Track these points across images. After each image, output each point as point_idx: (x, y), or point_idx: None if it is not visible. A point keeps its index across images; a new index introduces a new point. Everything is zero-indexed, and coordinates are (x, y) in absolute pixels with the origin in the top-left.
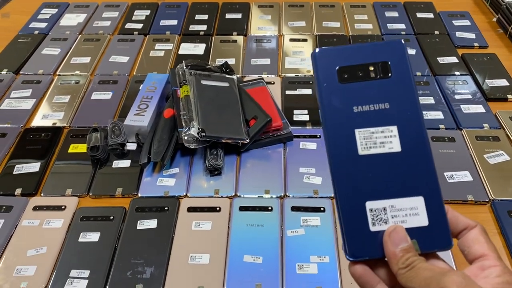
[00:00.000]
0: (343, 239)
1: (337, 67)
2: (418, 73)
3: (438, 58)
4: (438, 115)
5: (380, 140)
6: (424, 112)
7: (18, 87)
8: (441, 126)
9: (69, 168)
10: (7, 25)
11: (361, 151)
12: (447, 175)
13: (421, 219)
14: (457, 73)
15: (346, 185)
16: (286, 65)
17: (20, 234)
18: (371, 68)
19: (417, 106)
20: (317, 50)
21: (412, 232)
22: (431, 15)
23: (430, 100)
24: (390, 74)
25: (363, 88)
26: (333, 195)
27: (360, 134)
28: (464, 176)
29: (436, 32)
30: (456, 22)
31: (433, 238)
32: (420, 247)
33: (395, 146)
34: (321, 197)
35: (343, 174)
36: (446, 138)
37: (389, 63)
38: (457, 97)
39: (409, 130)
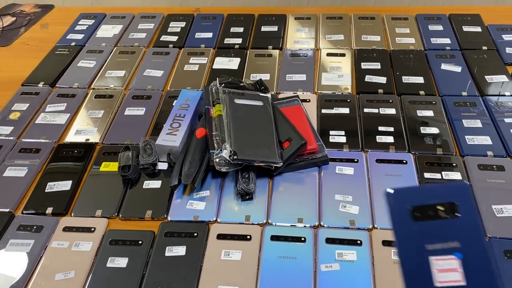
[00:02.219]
0: None
1: (409, 207)
2: (464, 93)
3: (486, 77)
4: (485, 140)
5: None
6: (470, 137)
7: (54, 101)
8: (489, 153)
9: (100, 187)
10: (45, 36)
11: (437, 283)
12: (495, 208)
13: None
14: (507, 93)
15: None
16: (322, 81)
17: (49, 256)
18: (441, 208)
19: (483, 243)
20: (390, 190)
21: None
22: (478, 29)
23: (477, 124)
24: (458, 214)
25: (434, 227)
26: (371, 227)
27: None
28: None
29: (484, 48)
30: (506, 37)
31: None
32: None
33: (462, 279)
34: (358, 229)
35: None
36: (494, 167)
37: (457, 204)
38: (507, 120)
39: (477, 266)
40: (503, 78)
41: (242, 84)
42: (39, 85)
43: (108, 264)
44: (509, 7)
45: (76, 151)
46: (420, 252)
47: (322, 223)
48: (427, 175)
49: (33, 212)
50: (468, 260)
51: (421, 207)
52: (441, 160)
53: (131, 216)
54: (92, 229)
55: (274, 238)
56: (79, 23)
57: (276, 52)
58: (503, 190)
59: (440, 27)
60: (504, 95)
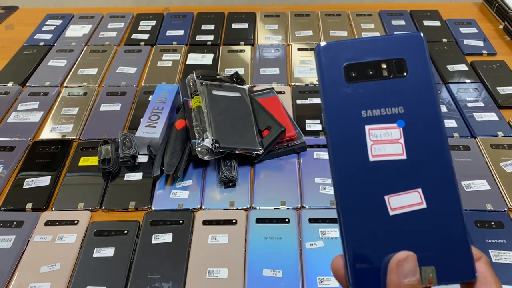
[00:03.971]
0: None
1: (344, 64)
2: None
3: (447, 66)
4: (451, 123)
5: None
6: None
7: (25, 100)
8: (455, 135)
9: (80, 181)
10: (11, 37)
11: (372, 157)
12: (464, 184)
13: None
14: (467, 80)
15: (353, 196)
16: (295, 74)
17: (32, 250)
18: (384, 66)
19: (436, 109)
20: (321, 43)
21: (429, 259)
22: (438, 23)
23: (443, 109)
24: (406, 73)
25: (374, 89)
26: None
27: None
28: (481, 185)
29: (444, 40)
30: (463, 30)
31: (454, 267)
32: (438, 277)
33: (403, 152)
34: None
35: (349, 186)
36: (461, 147)
37: (406, 59)
38: (469, 105)
39: (424, 135)
40: (463, 67)
41: (218, 77)
42: (8, 84)
43: (95, 255)
44: (462, 4)
45: (52, 148)
46: (354, 120)
47: (304, 205)
48: None
49: (11, 208)
50: (413, 129)
51: (359, 64)
52: None
53: (114, 207)
54: (76, 221)
55: (259, 221)
56: (46, 23)
57: (248, 48)
58: (470, 167)
59: (402, 22)
60: (465, 82)
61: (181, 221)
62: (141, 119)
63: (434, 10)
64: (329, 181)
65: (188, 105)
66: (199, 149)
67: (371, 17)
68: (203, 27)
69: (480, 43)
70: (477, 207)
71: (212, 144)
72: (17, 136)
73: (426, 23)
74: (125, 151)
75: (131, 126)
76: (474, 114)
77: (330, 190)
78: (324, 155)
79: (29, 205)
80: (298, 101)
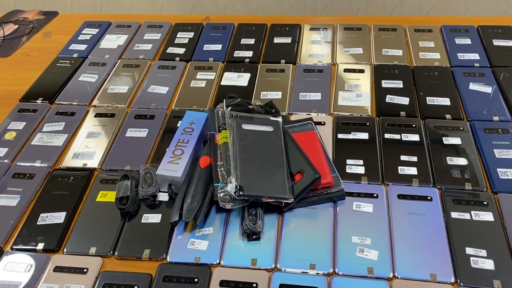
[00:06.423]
0: None
1: None
2: (495, 118)
3: None
4: None
5: None
6: (503, 170)
7: (52, 119)
8: None
9: (96, 220)
10: (47, 46)
11: None
12: None
13: None
14: None
15: None
16: (339, 101)
17: None
18: None
19: None
20: None
21: None
22: (510, 43)
23: (511, 154)
24: None
25: None
26: (391, 276)
27: None
28: None
29: None
30: None
31: None
32: None
33: None
34: (377, 278)
35: None
36: None
37: None
38: None
39: None
40: None
41: (251, 107)
42: (37, 101)
43: None
44: None
45: (72, 178)
46: None
47: (337, 270)
48: (454, 214)
49: (23, 247)
50: None
51: None
52: (470, 197)
53: (127, 255)
54: (85, 270)
55: (283, 287)
56: (83, 32)
57: (289, 67)
58: None
59: (467, 41)
60: None
61: (196, 279)
62: (167, 149)
63: (507, 26)
64: (369, 241)
65: (215, 141)
66: (222, 195)
67: (431, 34)
68: (243, 41)
69: None
70: None
71: (235, 192)
72: (38, 162)
73: (496, 42)
74: (145, 189)
75: (155, 156)
76: None
77: (369, 254)
78: (365, 206)
79: (40, 246)
80: (340, 135)
